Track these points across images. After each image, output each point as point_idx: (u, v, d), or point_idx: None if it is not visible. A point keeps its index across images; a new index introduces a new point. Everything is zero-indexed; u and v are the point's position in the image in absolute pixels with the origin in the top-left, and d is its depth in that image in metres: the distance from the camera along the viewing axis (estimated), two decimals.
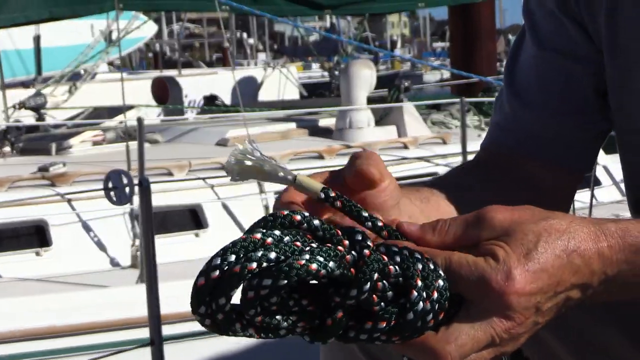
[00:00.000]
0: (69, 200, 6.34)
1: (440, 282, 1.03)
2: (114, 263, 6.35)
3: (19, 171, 6.64)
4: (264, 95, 12.66)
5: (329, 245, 0.99)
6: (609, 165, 8.36)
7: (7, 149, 7.49)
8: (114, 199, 5.75)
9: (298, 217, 1.00)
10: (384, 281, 1.01)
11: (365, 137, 7.95)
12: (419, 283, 1.02)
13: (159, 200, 5.76)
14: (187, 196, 6.72)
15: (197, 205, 6.72)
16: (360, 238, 1.01)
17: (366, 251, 1.00)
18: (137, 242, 6.09)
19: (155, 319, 4.82)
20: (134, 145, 6.58)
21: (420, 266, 1.03)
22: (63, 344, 5.72)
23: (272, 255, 0.96)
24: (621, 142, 1.53)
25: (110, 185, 5.73)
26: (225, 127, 8.22)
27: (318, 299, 1.00)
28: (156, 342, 4.56)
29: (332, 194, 1.07)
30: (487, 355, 1.09)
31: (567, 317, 1.20)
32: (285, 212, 1.01)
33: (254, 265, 0.95)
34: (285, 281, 0.95)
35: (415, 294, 1.01)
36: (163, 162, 6.90)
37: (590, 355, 1.28)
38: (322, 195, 1.07)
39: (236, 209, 6.81)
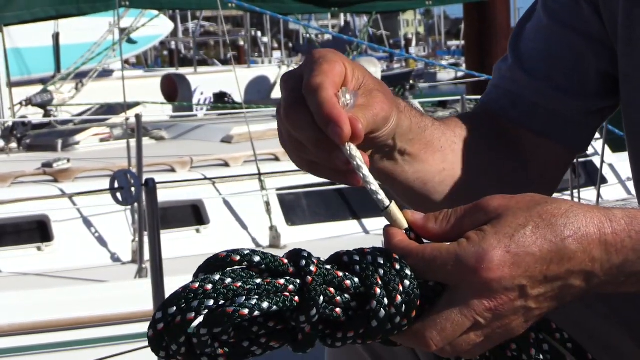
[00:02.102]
0: (70, 196, 6.40)
1: (407, 283, 1.05)
2: (114, 258, 6.40)
3: (24, 167, 6.70)
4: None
5: (269, 280, 1.02)
6: (615, 163, 8.36)
7: (14, 145, 7.55)
8: (120, 199, 5.80)
9: (237, 258, 1.03)
10: (344, 295, 1.05)
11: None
12: (378, 291, 1.04)
13: (160, 196, 5.80)
14: (189, 192, 6.76)
15: (198, 201, 6.77)
16: (303, 264, 1.04)
17: (308, 278, 1.03)
18: (138, 237, 6.14)
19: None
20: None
21: (382, 272, 1.05)
22: (64, 337, 5.79)
23: (210, 302, 1.00)
24: (629, 135, 1.49)
25: (116, 185, 5.77)
26: (231, 124, 8.27)
27: (286, 320, 1.04)
28: None
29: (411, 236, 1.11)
30: (476, 338, 1.08)
31: (569, 313, 1.18)
32: (225, 254, 1.04)
33: (193, 314, 1.00)
34: (220, 328, 1.00)
35: (375, 303, 1.04)
36: (165, 158, 6.94)
37: (591, 351, 1.26)
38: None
39: (237, 206, 6.85)
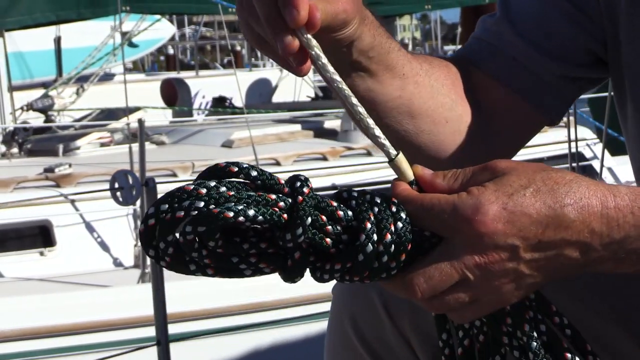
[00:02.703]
0: (72, 201, 6.41)
1: (399, 225, 1.07)
2: (117, 263, 6.41)
3: (25, 172, 6.71)
4: (280, 97, 12.67)
5: (261, 193, 1.04)
6: (614, 167, 8.38)
7: (15, 150, 7.56)
8: (120, 199, 5.80)
9: (235, 169, 1.06)
10: (336, 226, 1.06)
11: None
12: (368, 226, 1.06)
13: None
14: None
15: None
16: (298, 185, 1.06)
17: (299, 197, 1.05)
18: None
19: (161, 319, 4.87)
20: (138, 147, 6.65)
21: (376, 210, 1.07)
22: (67, 342, 5.79)
23: (201, 204, 1.02)
24: (633, 103, 1.47)
25: (116, 185, 5.78)
26: (231, 128, 8.28)
27: (277, 242, 1.06)
28: (162, 343, 4.61)
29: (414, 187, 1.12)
30: (465, 297, 1.07)
31: (568, 311, 1.17)
32: (224, 164, 1.06)
33: (182, 213, 1.02)
34: (204, 227, 1.02)
35: (364, 237, 1.05)
36: (166, 163, 6.95)
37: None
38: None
39: None
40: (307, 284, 1.10)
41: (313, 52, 1.10)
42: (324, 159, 7.50)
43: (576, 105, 7.62)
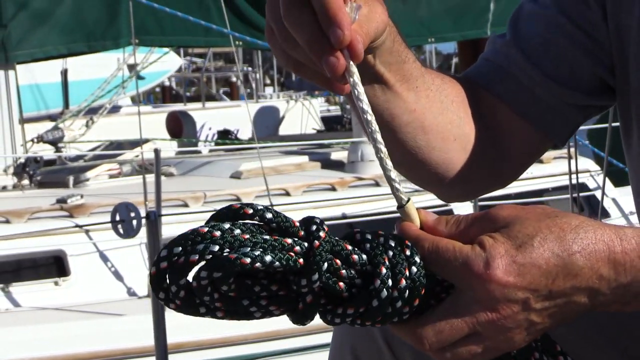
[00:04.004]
0: (86, 231, 6.46)
1: (414, 269, 1.05)
2: (130, 292, 6.45)
3: (38, 203, 6.76)
4: (286, 128, 12.70)
5: (277, 237, 1.02)
6: (618, 198, 8.43)
7: (26, 181, 7.62)
8: (121, 231, 5.84)
9: (250, 211, 1.03)
10: (350, 270, 1.04)
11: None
12: (384, 271, 1.04)
13: (174, 231, 5.86)
14: None
15: None
16: (313, 229, 1.03)
17: (316, 242, 1.02)
18: None
19: (161, 350, 4.92)
20: (149, 177, 6.71)
21: (390, 254, 1.05)
22: None
23: (215, 248, 1.00)
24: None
25: (117, 217, 5.81)
26: (239, 160, 8.34)
27: (289, 285, 1.04)
28: None
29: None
30: (477, 348, 1.06)
31: (566, 344, 1.17)
32: (239, 205, 1.04)
33: (196, 257, 1.00)
34: (220, 274, 0.99)
35: (379, 282, 1.04)
36: (177, 194, 7.01)
37: None
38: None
39: None
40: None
41: (351, 80, 1.09)
42: (333, 189, 7.55)
43: (576, 137, 7.73)
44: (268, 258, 1.00)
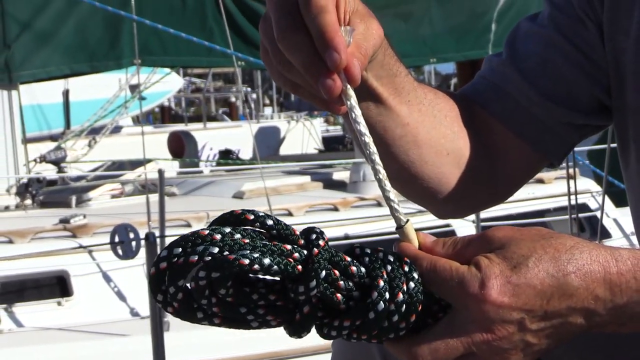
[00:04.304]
0: (89, 251, 6.46)
1: (411, 285, 1.05)
2: (133, 313, 6.44)
3: (41, 223, 6.77)
4: (287, 148, 12.70)
5: (276, 243, 1.02)
6: (619, 218, 8.44)
7: (28, 201, 7.62)
8: (120, 253, 5.84)
9: (251, 217, 1.04)
10: (348, 281, 1.05)
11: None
12: (381, 284, 1.04)
13: None
14: None
15: None
16: (313, 237, 1.04)
17: (315, 250, 1.03)
18: None
19: None
20: (152, 197, 6.72)
21: (389, 268, 1.05)
22: None
23: (215, 250, 1.00)
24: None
25: (117, 239, 5.81)
26: (241, 180, 8.35)
27: (287, 295, 1.04)
28: None
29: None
30: None
31: None
32: (240, 211, 1.04)
33: (196, 258, 1.00)
34: (218, 273, 0.99)
35: (376, 294, 1.04)
36: (180, 214, 7.01)
37: None
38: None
39: None
40: (307, 336, 1.09)
41: (348, 103, 1.09)
42: (336, 209, 7.56)
43: (577, 157, 7.74)
44: (267, 261, 1.00)
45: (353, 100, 1.09)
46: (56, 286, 6.38)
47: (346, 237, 7.09)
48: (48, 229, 6.62)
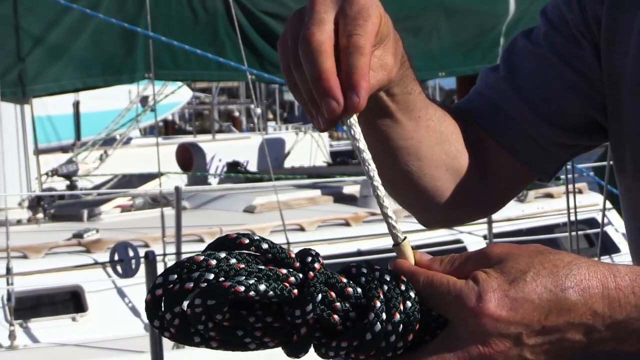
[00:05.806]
0: (103, 267, 6.48)
1: (408, 304, 1.05)
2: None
3: (53, 237, 6.78)
4: (294, 161, 12.71)
5: (272, 267, 1.02)
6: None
7: (40, 215, 7.64)
8: (120, 271, 5.85)
9: (246, 241, 1.04)
10: (344, 303, 1.04)
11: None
12: (378, 305, 1.04)
13: None
14: None
15: None
16: (309, 260, 1.04)
17: (310, 273, 1.02)
18: None
19: None
20: (166, 211, 6.74)
21: (385, 288, 1.05)
22: None
23: (210, 276, 1.00)
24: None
25: (116, 257, 5.82)
26: (252, 194, 8.36)
27: (284, 317, 1.04)
28: None
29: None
30: None
31: None
32: (235, 235, 1.04)
33: (191, 285, 1.00)
34: (214, 301, 0.99)
35: (373, 315, 1.03)
36: (192, 228, 7.02)
37: None
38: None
39: None
40: (306, 356, 1.09)
41: (348, 121, 1.10)
42: (347, 224, 7.58)
43: (582, 170, 7.74)
44: (262, 287, 1.00)
45: (353, 118, 1.10)
46: (70, 302, 6.40)
47: (358, 253, 7.10)
48: (62, 244, 6.64)
